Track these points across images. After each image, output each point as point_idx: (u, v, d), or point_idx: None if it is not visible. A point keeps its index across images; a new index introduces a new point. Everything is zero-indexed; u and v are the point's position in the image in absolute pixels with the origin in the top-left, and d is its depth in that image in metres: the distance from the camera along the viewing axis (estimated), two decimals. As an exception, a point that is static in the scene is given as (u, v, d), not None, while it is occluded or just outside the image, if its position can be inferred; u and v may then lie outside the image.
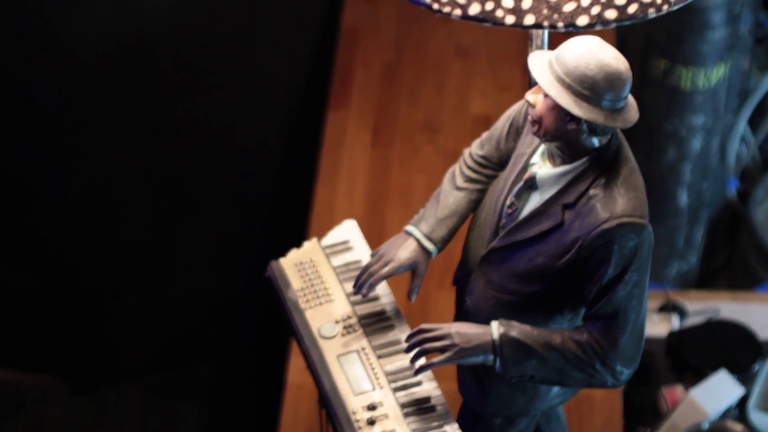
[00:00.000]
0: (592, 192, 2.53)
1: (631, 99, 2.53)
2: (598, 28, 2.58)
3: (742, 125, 4.64)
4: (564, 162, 2.56)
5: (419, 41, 4.31)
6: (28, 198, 4.36)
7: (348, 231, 2.98)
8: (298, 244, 2.97)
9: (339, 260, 2.92)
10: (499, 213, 2.66)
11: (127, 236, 4.46)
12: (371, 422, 2.63)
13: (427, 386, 2.69)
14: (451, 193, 2.79)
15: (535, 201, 2.60)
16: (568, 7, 2.56)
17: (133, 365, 4.68)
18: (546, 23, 2.57)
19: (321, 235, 2.99)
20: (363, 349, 2.75)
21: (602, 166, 2.54)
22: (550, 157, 2.59)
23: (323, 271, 2.89)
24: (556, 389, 2.74)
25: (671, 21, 4.15)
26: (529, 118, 2.56)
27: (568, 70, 2.47)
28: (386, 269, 2.76)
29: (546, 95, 2.51)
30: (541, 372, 2.58)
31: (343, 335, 2.78)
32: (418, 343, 2.61)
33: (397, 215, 3.82)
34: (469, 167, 2.80)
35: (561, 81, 2.48)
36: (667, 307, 4.04)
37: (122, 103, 4.18)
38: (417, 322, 2.69)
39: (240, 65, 4.25)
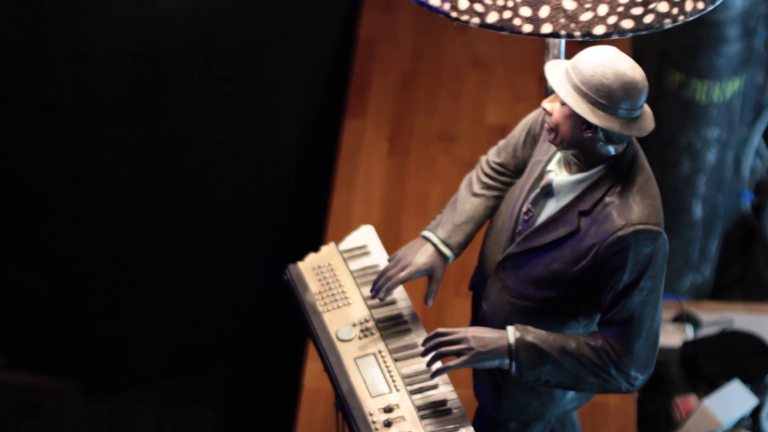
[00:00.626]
0: (607, 199, 2.55)
1: (646, 108, 2.55)
2: (615, 37, 2.60)
3: (756, 139, 4.65)
4: (580, 170, 2.59)
5: (436, 52, 4.33)
6: (44, 205, 4.38)
7: (365, 236, 3.00)
8: (315, 251, 2.99)
9: (356, 264, 2.94)
10: (516, 219, 2.69)
11: (143, 243, 4.48)
12: (388, 424, 2.65)
13: (444, 389, 2.71)
14: (468, 199, 2.81)
15: (551, 208, 2.62)
16: (585, 17, 2.59)
17: (147, 371, 4.69)
18: (563, 32, 2.59)
19: (338, 242, 3.01)
20: (380, 352, 2.78)
21: (618, 174, 2.56)
22: (567, 164, 2.62)
23: (341, 275, 2.92)
24: (571, 394, 2.76)
25: (686, 34, 4.17)
26: (546, 126, 2.58)
27: (585, 78, 2.50)
28: (403, 273, 2.79)
29: (563, 103, 2.54)
30: (556, 376, 2.60)
31: (360, 338, 2.80)
32: (435, 347, 2.63)
33: (413, 223, 3.84)
34: (486, 174, 2.82)
35: (578, 89, 2.50)
36: (681, 318, 4.06)
37: (138, 112, 4.20)
38: (432, 328, 2.69)
39: (257, 74, 4.26)
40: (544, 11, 2.59)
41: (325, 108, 4.41)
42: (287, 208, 4.56)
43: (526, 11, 2.59)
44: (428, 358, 2.65)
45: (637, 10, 2.59)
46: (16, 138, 4.23)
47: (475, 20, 2.62)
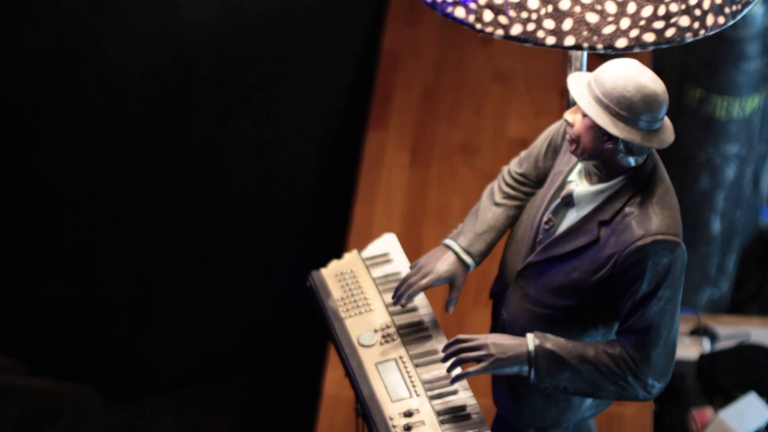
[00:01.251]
0: (627, 210, 2.58)
1: (667, 121, 2.58)
2: (637, 50, 2.63)
3: (775, 155, 4.67)
4: (600, 180, 2.62)
5: (458, 65, 4.35)
6: (68, 212, 4.39)
7: (388, 244, 3.03)
8: (337, 259, 3.03)
9: (378, 272, 2.97)
10: (537, 229, 2.72)
11: (166, 251, 4.50)
12: (408, 428, 2.68)
13: (463, 395, 2.73)
14: (489, 208, 2.85)
15: (571, 218, 2.65)
16: (608, 30, 2.62)
17: (168, 378, 4.70)
18: (585, 45, 2.63)
19: (360, 250, 3.04)
20: (401, 357, 2.80)
21: (638, 185, 2.59)
22: (587, 175, 2.65)
23: (363, 282, 2.94)
24: (588, 401, 2.79)
25: (707, 51, 4.20)
26: (567, 137, 2.61)
27: (607, 90, 2.53)
28: (425, 281, 2.82)
29: (584, 115, 2.56)
30: (574, 383, 2.62)
31: (381, 344, 2.83)
32: (455, 353, 2.66)
33: (434, 234, 3.85)
34: (507, 184, 2.85)
35: (599, 101, 2.54)
36: (699, 331, 4.07)
37: (162, 121, 4.21)
38: (452, 337, 2.72)
39: (281, 85, 4.28)
40: (567, 24, 2.62)
41: (347, 119, 4.44)
42: (309, 218, 4.58)
43: (549, 24, 2.62)
44: (448, 364, 2.68)
45: (658, 24, 2.63)
46: (43, 146, 4.25)
47: (500, 32, 2.65)
